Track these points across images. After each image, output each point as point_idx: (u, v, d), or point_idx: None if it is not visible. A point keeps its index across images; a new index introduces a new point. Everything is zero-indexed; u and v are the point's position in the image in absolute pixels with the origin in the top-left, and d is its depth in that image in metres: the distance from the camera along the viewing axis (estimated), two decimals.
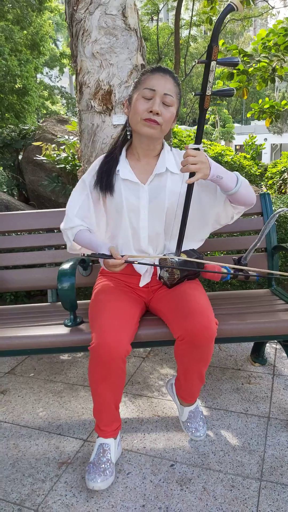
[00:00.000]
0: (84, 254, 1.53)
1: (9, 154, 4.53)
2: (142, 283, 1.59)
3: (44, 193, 3.99)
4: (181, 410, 1.62)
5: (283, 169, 5.74)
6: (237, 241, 2.08)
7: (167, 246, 1.58)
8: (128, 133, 1.53)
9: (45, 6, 11.77)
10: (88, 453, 1.55)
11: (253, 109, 4.08)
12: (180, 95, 1.47)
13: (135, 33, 2.27)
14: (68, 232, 1.57)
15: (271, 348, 2.27)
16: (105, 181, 1.51)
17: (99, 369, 1.32)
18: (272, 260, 1.99)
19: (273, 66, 3.63)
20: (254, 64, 3.63)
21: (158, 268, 1.58)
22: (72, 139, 3.47)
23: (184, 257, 1.48)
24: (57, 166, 3.42)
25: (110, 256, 1.36)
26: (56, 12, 13.84)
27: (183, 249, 1.53)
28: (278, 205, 3.02)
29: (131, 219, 1.53)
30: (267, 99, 4.02)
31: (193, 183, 1.39)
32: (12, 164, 4.52)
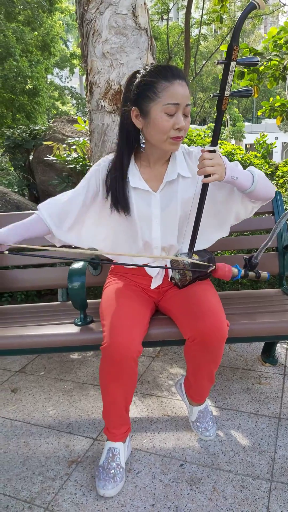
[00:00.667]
0: None
1: (20, 154, 4.56)
2: (153, 285, 1.59)
3: (55, 193, 3.99)
4: (191, 410, 1.62)
5: None
6: (248, 240, 2.06)
7: (179, 250, 1.57)
8: (142, 146, 1.42)
9: (55, 7, 11.84)
10: (98, 452, 1.55)
11: (263, 108, 4.05)
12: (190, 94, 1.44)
13: (145, 32, 2.27)
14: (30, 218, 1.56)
15: (282, 348, 2.25)
16: (122, 201, 1.45)
17: (111, 369, 1.32)
18: (283, 260, 1.97)
19: (284, 64, 3.60)
20: (265, 63, 3.60)
21: (169, 270, 1.57)
22: (83, 139, 3.48)
23: (196, 257, 1.47)
24: (68, 166, 3.43)
25: None
26: (66, 13, 13.93)
27: (195, 248, 1.52)
28: None
29: (142, 229, 1.49)
30: (278, 97, 3.99)
31: (208, 185, 1.37)
32: (23, 164, 4.55)
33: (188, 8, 6.94)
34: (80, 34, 2.38)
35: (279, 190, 2.11)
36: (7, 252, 1.33)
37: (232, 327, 1.50)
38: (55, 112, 16.73)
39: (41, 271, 2.08)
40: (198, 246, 1.56)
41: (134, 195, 1.46)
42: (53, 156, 3.53)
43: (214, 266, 1.42)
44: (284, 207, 2.62)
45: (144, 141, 1.41)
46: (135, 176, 1.46)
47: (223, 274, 1.45)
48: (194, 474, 1.42)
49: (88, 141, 2.77)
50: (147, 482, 1.40)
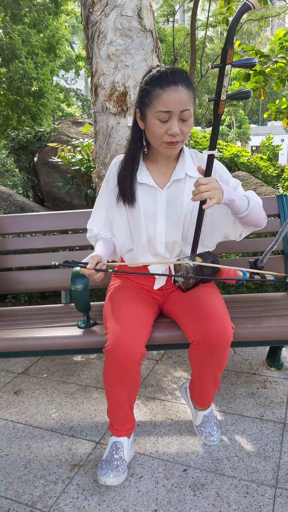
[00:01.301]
0: (55, 264, 1.40)
1: (25, 156, 4.57)
2: (156, 286, 1.58)
3: (59, 195, 4.01)
4: (195, 414, 1.60)
5: None
6: (253, 243, 2.05)
7: (183, 250, 1.56)
8: (144, 145, 1.46)
9: (61, 9, 11.87)
10: (100, 456, 1.54)
11: (269, 110, 4.03)
12: (195, 96, 1.41)
13: (151, 34, 2.27)
14: (91, 240, 1.63)
15: (287, 353, 2.23)
16: (128, 194, 1.48)
17: (114, 371, 1.31)
18: None
19: None
20: (271, 65, 3.58)
21: (172, 270, 1.56)
22: (87, 140, 3.48)
23: (199, 260, 1.46)
24: (72, 168, 3.44)
25: (84, 266, 1.35)
26: (72, 15, 13.97)
27: (198, 251, 1.51)
28: None
29: (147, 224, 1.50)
30: (284, 99, 3.96)
31: (203, 213, 1.38)
32: (27, 166, 4.56)
33: (194, 10, 6.93)
34: (85, 36, 2.38)
35: (284, 193, 2.09)
36: (111, 270, 1.38)
37: (237, 331, 1.48)
38: (60, 114, 16.77)
39: (45, 273, 2.08)
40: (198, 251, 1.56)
41: (141, 190, 1.49)
42: (57, 158, 3.54)
43: (218, 268, 1.41)
44: None
45: (145, 143, 1.46)
46: (142, 172, 1.49)
47: (228, 277, 1.44)
48: (198, 479, 1.40)
49: (93, 143, 2.76)
50: (150, 487, 1.38)
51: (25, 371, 2.22)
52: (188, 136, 1.39)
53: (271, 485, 1.36)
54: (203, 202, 1.38)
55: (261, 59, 3.60)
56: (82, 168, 3.36)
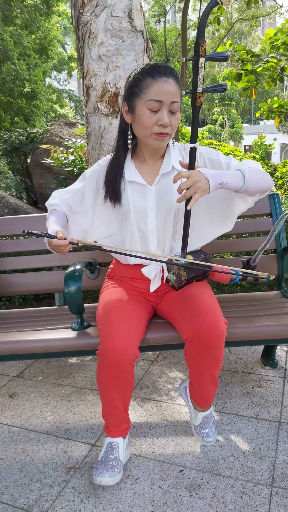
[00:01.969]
0: (24, 231, 1.32)
1: (18, 157, 4.55)
2: (152, 288, 1.57)
3: None
4: (195, 415, 1.59)
5: None
6: (246, 242, 2.05)
7: (173, 247, 1.56)
8: (129, 141, 1.46)
9: (53, 11, 11.84)
10: (96, 458, 1.53)
11: (262, 109, 4.05)
12: (181, 91, 1.41)
13: (142, 34, 2.27)
14: (48, 206, 1.54)
15: (282, 351, 2.24)
16: (112, 191, 1.48)
17: (108, 373, 1.31)
18: (282, 262, 1.96)
19: (281, 65, 3.60)
20: (262, 64, 3.60)
21: (165, 270, 1.56)
22: (80, 141, 3.47)
23: (190, 258, 1.46)
24: (65, 169, 3.43)
25: (54, 236, 1.28)
26: (64, 16, 13.93)
27: (190, 248, 1.52)
28: None
29: (138, 223, 1.50)
30: (276, 98, 3.98)
31: (190, 211, 1.38)
32: (20, 168, 4.55)
33: (185, 10, 6.93)
34: (76, 37, 2.37)
35: (277, 192, 2.10)
36: (82, 245, 1.30)
37: (231, 331, 1.48)
38: (53, 115, 16.74)
39: (38, 275, 2.07)
40: (196, 244, 1.56)
41: (130, 189, 1.49)
42: (50, 159, 3.53)
43: (209, 265, 1.41)
44: (283, 208, 2.60)
45: (131, 137, 1.46)
46: (131, 171, 1.49)
47: (221, 277, 1.44)
48: (194, 480, 1.40)
49: (85, 144, 2.76)
50: (146, 488, 1.38)
51: (20, 374, 2.21)
52: (175, 129, 1.39)
53: (267, 484, 1.37)
54: (187, 211, 1.39)
55: (252, 58, 3.61)
56: (75, 169, 3.35)
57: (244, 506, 1.29)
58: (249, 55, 3.60)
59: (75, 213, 1.54)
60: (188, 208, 1.31)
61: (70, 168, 3.38)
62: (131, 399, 1.66)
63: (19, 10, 11.34)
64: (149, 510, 1.29)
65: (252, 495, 1.33)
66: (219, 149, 4.29)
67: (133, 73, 1.38)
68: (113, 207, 1.51)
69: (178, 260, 1.42)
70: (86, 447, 1.60)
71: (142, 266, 1.56)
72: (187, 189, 1.28)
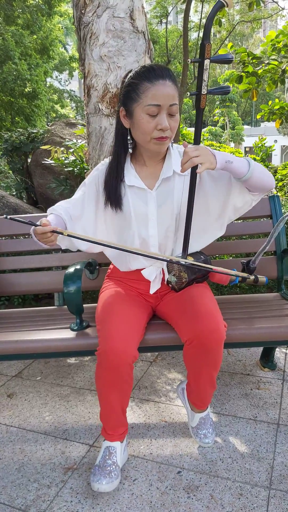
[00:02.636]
0: (6, 217, 1.30)
1: (18, 157, 4.56)
2: (152, 290, 1.57)
3: (53, 196, 4.00)
4: (192, 416, 1.59)
5: None
6: (246, 244, 2.05)
7: (174, 250, 1.56)
8: (130, 146, 1.44)
9: (54, 11, 11.85)
10: (94, 459, 1.53)
11: (263, 111, 4.05)
12: (179, 91, 1.40)
13: (143, 35, 2.27)
14: (49, 211, 1.52)
15: (281, 353, 2.24)
16: (112, 197, 1.46)
17: (106, 375, 1.30)
18: (282, 264, 1.96)
19: (282, 67, 3.60)
20: (263, 66, 3.60)
21: (165, 272, 1.56)
22: (80, 142, 3.47)
23: (191, 259, 1.46)
24: (65, 169, 3.43)
25: (38, 224, 1.26)
26: (65, 16, 13.96)
27: (190, 250, 1.51)
28: None
29: (139, 228, 1.49)
30: (277, 100, 3.98)
31: (195, 183, 1.36)
32: (21, 168, 4.55)
33: (187, 11, 6.94)
34: (77, 37, 2.37)
35: (277, 193, 2.10)
36: (67, 234, 1.28)
37: (230, 332, 1.48)
38: (54, 115, 16.75)
39: (38, 275, 2.06)
40: (195, 247, 1.55)
41: (130, 193, 1.47)
42: (51, 159, 3.53)
43: (211, 268, 1.40)
44: (283, 210, 2.61)
45: (131, 141, 1.43)
46: (130, 175, 1.47)
47: (220, 278, 1.44)
48: (192, 481, 1.40)
49: (86, 145, 2.76)
50: (143, 489, 1.38)
51: (18, 373, 2.21)
52: (175, 131, 1.37)
53: (265, 486, 1.36)
54: (191, 202, 1.37)
55: (254, 60, 3.62)
56: (75, 169, 3.35)
57: (242, 508, 1.29)
58: (250, 57, 3.61)
59: (76, 219, 1.51)
60: (198, 171, 1.27)
61: (71, 168, 3.38)
62: (129, 400, 1.65)
63: (20, 10, 11.35)
64: (146, 511, 1.29)
65: (250, 497, 1.33)
66: (219, 151, 4.29)
67: (129, 77, 1.35)
68: (115, 213, 1.50)
69: (181, 261, 1.42)
70: (84, 448, 1.60)
71: (142, 267, 1.56)
72: (196, 157, 1.25)
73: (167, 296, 1.58)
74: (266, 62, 3.64)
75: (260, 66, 3.63)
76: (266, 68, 3.60)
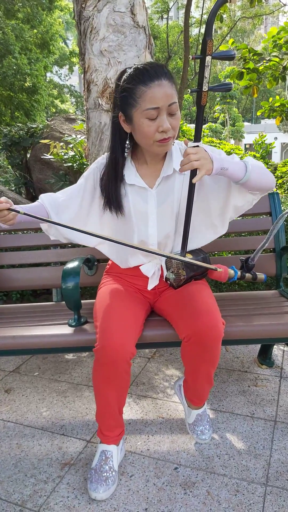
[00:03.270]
0: None
1: (17, 152, 4.54)
2: (150, 286, 1.56)
3: (52, 191, 3.99)
4: (188, 412, 1.59)
5: None
6: (245, 241, 2.05)
7: (173, 249, 1.55)
8: (127, 151, 1.43)
9: (55, 5, 11.79)
10: (91, 454, 1.53)
11: (263, 108, 4.04)
12: (177, 86, 1.36)
13: (144, 30, 2.25)
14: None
15: (278, 350, 2.24)
16: (114, 202, 1.45)
17: (104, 371, 1.30)
18: (281, 261, 1.96)
19: (283, 64, 3.59)
20: (264, 62, 3.59)
21: (164, 269, 1.56)
22: (80, 137, 3.46)
23: (189, 257, 1.45)
24: (65, 165, 3.42)
25: None
26: (66, 11, 13.87)
27: (189, 248, 1.51)
28: None
29: (139, 226, 1.48)
30: (277, 97, 3.97)
31: (195, 184, 1.35)
32: (20, 162, 4.53)
33: (188, 7, 6.90)
34: (77, 31, 2.36)
35: (277, 191, 2.09)
36: (23, 212, 1.26)
37: (228, 329, 1.48)
38: (54, 110, 16.69)
39: (36, 270, 2.06)
40: (195, 245, 1.55)
41: (131, 192, 1.46)
42: (50, 155, 3.52)
43: (214, 267, 1.40)
44: (282, 207, 2.60)
45: (129, 146, 1.43)
46: (131, 173, 1.46)
47: (219, 275, 1.44)
48: (188, 477, 1.40)
49: (85, 140, 2.75)
50: (140, 485, 1.38)
51: (16, 369, 2.21)
52: (177, 129, 1.35)
53: (262, 483, 1.37)
54: (190, 199, 1.37)
55: (255, 57, 3.60)
56: (74, 165, 3.34)
57: (238, 504, 1.29)
58: (251, 54, 3.59)
59: (64, 209, 1.51)
60: (194, 181, 1.27)
61: (70, 164, 3.37)
62: (127, 396, 1.65)
63: (21, 4, 11.29)
64: (143, 507, 1.29)
65: (247, 493, 1.33)
66: (219, 147, 4.28)
67: (123, 81, 1.30)
68: (116, 216, 1.49)
69: (180, 259, 1.41)
70: (81, 443, 1.60)
71: (141, 264, 1.55)
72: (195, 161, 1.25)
73: (166, 293, 1.58)
74: (267, 58, 3.62)
75: (261, 63, 3.62)
76: (267, 64, 3.58)
